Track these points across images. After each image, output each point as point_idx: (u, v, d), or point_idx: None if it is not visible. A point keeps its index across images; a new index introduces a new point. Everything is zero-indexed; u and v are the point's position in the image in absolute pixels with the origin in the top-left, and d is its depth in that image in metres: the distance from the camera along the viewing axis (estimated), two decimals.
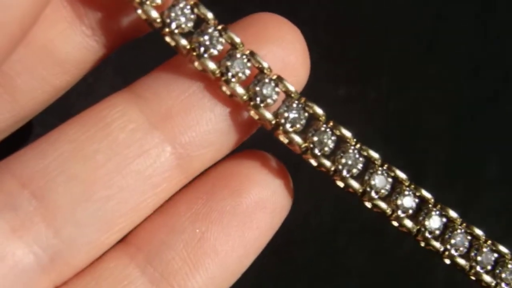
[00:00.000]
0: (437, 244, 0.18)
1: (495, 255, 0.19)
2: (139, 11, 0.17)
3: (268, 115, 0.18)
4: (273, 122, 0.18)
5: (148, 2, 0.17)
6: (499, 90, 0.38)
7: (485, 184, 0.37)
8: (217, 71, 0.17)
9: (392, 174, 0.18)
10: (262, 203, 0.18)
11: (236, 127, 0.18)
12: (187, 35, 0.18)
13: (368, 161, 0.18)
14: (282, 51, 0.18)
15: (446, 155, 0.37)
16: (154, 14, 0.17)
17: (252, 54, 0.18)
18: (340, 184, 0.18)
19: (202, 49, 0.17)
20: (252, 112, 0.18)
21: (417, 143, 0.37)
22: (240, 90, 0.18)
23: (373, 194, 0.18)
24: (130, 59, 0.31)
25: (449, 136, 0.37)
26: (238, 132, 0.19)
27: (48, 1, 0.15)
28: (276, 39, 0.18)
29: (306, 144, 0.18)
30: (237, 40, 0.18)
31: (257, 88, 0.18)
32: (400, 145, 0.36)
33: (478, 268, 0.18)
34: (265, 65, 0.18)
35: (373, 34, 0.37)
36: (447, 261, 0.18)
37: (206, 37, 0.17)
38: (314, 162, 0.18)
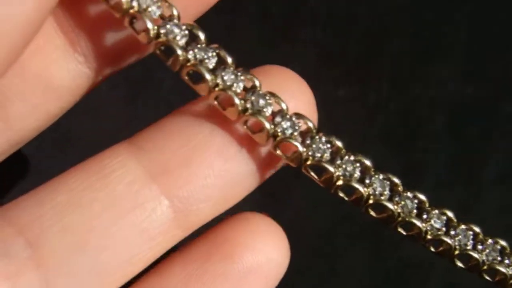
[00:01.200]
0: (448, 240, 0.18)
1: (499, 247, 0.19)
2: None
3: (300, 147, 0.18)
4: (304, 154, 0.18)
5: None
6: (499, 90, 0.38)
7: (485, 184, 0.37)
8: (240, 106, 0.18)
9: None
10: (255, 269, 0.18)
11: (235, 183, 0.19)
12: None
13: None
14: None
15: (446, 155, 0.37)
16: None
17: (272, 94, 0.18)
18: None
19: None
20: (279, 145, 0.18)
21: (417, 143, 0.37)
22: (267, 124, 0.18)
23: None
24: None
25: (449, 136, 0.37)
26: (237, 188, 0.19)
27: (50, 10, 0.15)
28: (284, 91, 0.18)
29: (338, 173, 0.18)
30: (257, 82, 0.18)
31: (281, 122, 0.18)
32: (400, 145, 0.36)
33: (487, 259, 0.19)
34: (284, 106, 0.18)
35: (373, 34, 0.37)
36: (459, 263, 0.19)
37: (230, 77, 0.18)
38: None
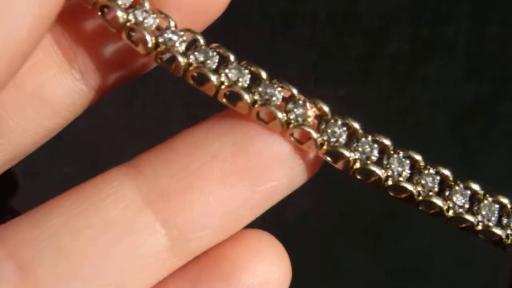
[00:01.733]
0: (470, 218, 0.18)
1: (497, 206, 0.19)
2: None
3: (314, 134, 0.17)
4: (319, 140, 0.17)
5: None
6: (499, 90, 0.38)
7: (485, 184, 0.37)
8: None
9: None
10: None
11: (237, 211, 0.18)
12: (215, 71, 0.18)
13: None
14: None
15: (446, 155, 0.37)
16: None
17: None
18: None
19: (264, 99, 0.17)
20: (294, 132, 0.17)
21: (417, 143, 0.37)
22: (279, 113, 0.17)
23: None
24: None
25: (449, 136, 0.37)
26: (239, 216, 0.18)
27: (50, 23, 0.15)
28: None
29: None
30: (264, 74, 0.18)
31: (293, 108, 0.17)
32: (400, 145, 0.36)
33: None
34: (295, 91, 0.18)
35: (373, 34, 0.37)
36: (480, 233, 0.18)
37: (235, 72, 0.17)
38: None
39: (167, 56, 0.17)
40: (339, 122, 0.18)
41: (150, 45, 0.17)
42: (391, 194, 0.18)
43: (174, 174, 0.17)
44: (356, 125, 0.18)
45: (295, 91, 0.18)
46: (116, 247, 0.17)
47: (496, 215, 0.18)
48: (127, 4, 0.17)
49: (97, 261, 0.17)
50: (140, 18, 0.17)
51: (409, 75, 0.37)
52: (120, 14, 0.17)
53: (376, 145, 0.18)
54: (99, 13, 0.17)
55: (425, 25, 0.37)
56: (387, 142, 0.18)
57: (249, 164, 0.17)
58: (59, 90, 0.17)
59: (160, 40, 0.17)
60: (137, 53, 0.17)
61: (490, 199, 0.19)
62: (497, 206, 0.18)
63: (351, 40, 0.37)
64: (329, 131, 0.17)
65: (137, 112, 0.33)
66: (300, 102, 0.18)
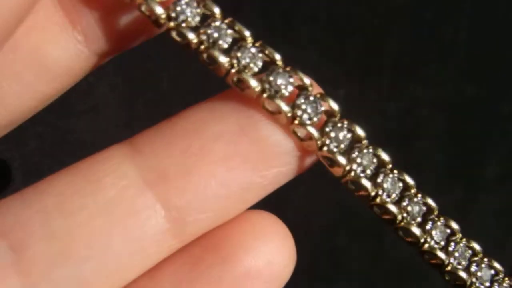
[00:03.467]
0: (442, 255, 0.18)
1: (493, 271, 0.19)
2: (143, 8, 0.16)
3: (315, 132, 0.17)
4: (319, 142, 0.17)
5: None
6: (499, 90, 0.38)
7: (485, 184, 0.37)
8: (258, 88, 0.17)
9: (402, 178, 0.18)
10: (254, 274, 0.17)
11: (238, 194, 0.17)
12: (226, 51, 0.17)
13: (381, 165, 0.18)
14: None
15: (446, 156, 0.37)
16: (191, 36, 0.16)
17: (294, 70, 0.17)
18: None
19: (241, 66, 0.17)
20: (297, 129, 0.17)
21: (417, 143, 0.37)
22: (285, 106, 0.17)
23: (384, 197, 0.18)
24: (131, 58, 0.31)
25: (449, 136, 0.37)
26: (241, 199, 0.17)
27: None
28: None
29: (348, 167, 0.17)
30: (277, 56, 0.17)
31: (301, 104, 0.17)
32: (399, 145, 0.36)
33: (477, 284, 0.18)
34: (307, 81, 0.17)
35: (373, 34, 0.37)
36: (447, 276, 0.18)
37: (247, 55, 0.17)
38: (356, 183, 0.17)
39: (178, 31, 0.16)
40: (345, 127, 0.17)
41: (162, 20, 0.16)
42: (376, 211, 0.18)
43: (175, 155, 0.17)
44: (361, 133, 0.17)
45: (307, 82, 0.17)
46: (113, 229, 0.17)
47: (467, 260, 0.18)
48: None
49: (93, 243, 0.17)
50: None
51: (409, 75, 0.37)
52: None
53: (375, 160, 0.18)
54: None
55: (425, 25, 0.37)
56: (386, 158, 0.18)
57: (253, 148, 0.17)
58: (59, 52, 0.17)
59: (172, 14, 0.16)
60: (145, 21, 0.16)
61: (464, 242, 0.19)
62: (470, 251, 0.18)
63: (351, 40, 0.37)
64: (332, 135, 0.17)
65: (138, 112, 0.33)
66: (311, 98, 0.17)
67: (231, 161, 0.17)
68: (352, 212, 0.37)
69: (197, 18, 0.16)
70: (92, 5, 0.17)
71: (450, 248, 0.18)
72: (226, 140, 0.17)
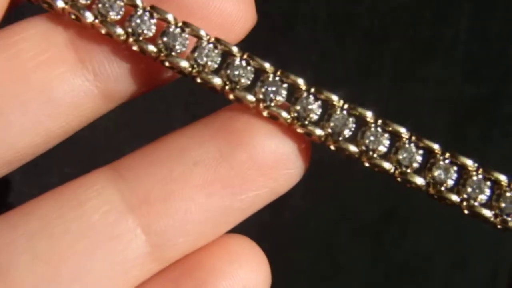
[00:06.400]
0: (453, 196, 0.18)
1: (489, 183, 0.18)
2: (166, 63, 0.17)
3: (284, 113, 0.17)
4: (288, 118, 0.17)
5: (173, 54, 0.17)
6: (499, 90, 0.38)
7: None
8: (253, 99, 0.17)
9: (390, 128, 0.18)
10: None
11: (217, 218, 0.18)
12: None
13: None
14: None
15: None
16: (184, 63, 0.17)
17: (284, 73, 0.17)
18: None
19: (233, 83, 0.17)
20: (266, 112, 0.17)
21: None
22: (283, 113, 0.17)
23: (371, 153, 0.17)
24: None
25: (449, 136, 0.37)
26: (219, 223, 0.18)
27: None
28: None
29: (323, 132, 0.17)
30: (267, 65, 0.17)
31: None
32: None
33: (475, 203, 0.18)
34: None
35: (373, 34, 0.37)
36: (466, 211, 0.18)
37: (237, 72, 0.17)
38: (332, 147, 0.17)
39: (170, 60, 0.17)
40: (345, 112, 0.17)
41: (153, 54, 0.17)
42: (367, 166, 0.18)
43: (157, 180, 0.17)
44: (334, 98, 0.18)
45: (301, 82, 0.17)
46: (96, 252, 0.17)
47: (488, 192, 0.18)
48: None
49: (75, 266, 0.17)
50: (139, 30, 0.17)
51: (409, 75, 0.37)
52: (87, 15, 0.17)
53: (352, 119, 0.18)
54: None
55: (425, 25, 0.37)
56: (369, 114, 0.18)
57: (231, 173, 0.17)
58: (66, 88, 0.17)
59: (160, 46, 0.17)
60: (155, 65, 0.17)
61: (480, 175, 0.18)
62: (488, 183, 0.18)
63: (351, 40, 0.37)
64: (298, 107, 0.17)
65: (138, 112, 0.33)
66: (304, 95, 0.17)
67: (210, 187, 0.17)
68: (352, 212, 0.37)
69: (186, 43, 0.17)
70: (104, 45, 0.17)
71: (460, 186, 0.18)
72: (205, 166, 0.17)
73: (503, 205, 0.18)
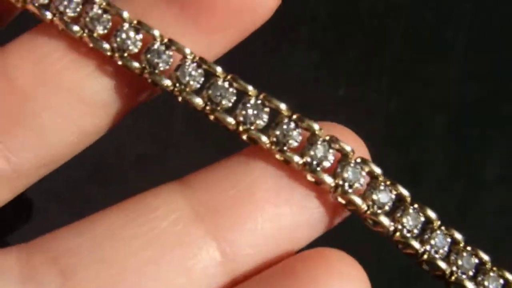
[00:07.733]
0: (416, 244, 0.18)
1: (476, 260, 0.19)
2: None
3: (358, 200, 0.17)
4: (364, 207, 0.17)
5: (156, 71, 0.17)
6: (499, 90, 0.38)
7: (485, 184, 0.37)
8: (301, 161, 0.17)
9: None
10: None
11: (287, 230, 0.17)
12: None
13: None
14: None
15: (446, 155, 0.37)
16: (166, 82, 0.17)
17: (334, 140, 0.17)
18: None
19: (281, 143, 0.17)
20: (340, 198, 0.17)
21: (417, 143, 0.37)
22: (328, 178, 0.17)
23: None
24: None
25: (449, 136, 0.37)
26: (290, 236, 0.17)
27: None
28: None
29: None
30: (316, 127, 0.17)
31: (345, 175, 0.17)
32: (400, 145, 0.36)
33: (459, 273, 0.18)
34: (348, 149, 0.17)
35: (373, 34, 0.37)
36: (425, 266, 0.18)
37: (281, 131, 0.17)
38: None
39: (152, 78, 0.17)
40: (388, 187, 0.18)
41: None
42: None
43: (225, 190, 0.17)
44: (378, 171, 0.18)
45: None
46: (163, 258, 0.17)
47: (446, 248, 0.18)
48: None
49: (142, 271, 0.17)
50: (124, 47, 0.17)
51: (409, 75, 0.37)
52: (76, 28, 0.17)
53: (393, 195, 0.18)
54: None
55: (425, 25, 0.37)
56: (405, 192, 0.18)
57: (302, 179, 0.17)
58: (97, 86, 0.17)
59: (143, 64, 0.17)
60: None
61: (442, 229, 0.19)
62: (448, 239, 0.18)
63: (351, 40, 0.37)
64: (345, 175, 0.17)
65: (140, 113, 0.33)
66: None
67: (277, 197, 0.17)
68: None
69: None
70: None
71: (426, 237, 0.18)
72: (275, 175, 0.17)
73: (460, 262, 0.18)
